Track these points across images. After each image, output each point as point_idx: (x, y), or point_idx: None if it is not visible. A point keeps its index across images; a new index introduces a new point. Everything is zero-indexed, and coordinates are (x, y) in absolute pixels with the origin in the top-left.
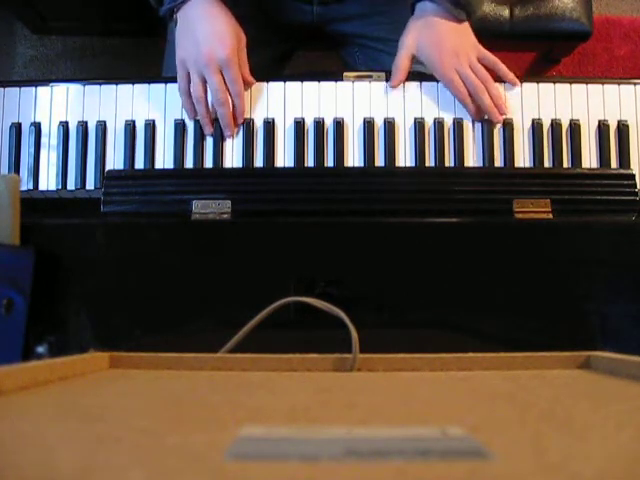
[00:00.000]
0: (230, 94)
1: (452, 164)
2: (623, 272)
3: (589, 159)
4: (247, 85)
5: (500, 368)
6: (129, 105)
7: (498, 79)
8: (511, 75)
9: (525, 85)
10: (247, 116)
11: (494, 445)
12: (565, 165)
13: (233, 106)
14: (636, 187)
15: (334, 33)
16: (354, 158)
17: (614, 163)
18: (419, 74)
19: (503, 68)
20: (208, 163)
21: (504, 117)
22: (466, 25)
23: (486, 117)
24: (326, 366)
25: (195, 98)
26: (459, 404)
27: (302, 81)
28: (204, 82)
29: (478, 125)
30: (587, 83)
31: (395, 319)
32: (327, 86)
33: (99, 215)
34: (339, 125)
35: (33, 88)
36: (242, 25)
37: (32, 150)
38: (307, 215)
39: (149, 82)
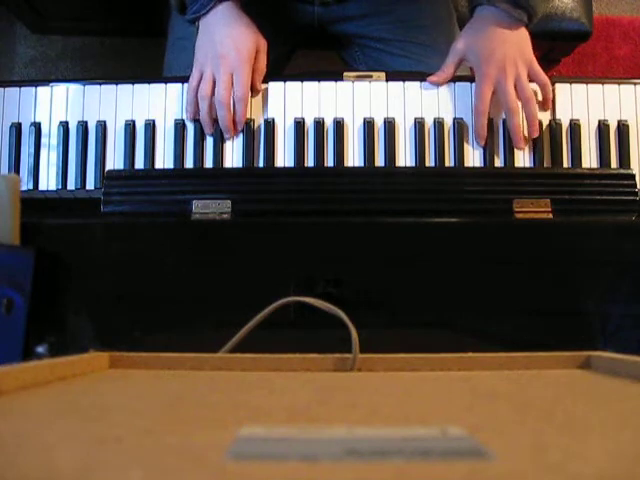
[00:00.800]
0: (234, 98)
1: (452, 164)
2: (623, 272)
3: (589, 159)
4: (255, 92)
5: (500, 368)
6: (129, 105)
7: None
8: (550, 104)
9: None
10: (248, 116)
11: (494, 445)
12: (565, 165)
13: (234, 110)
14: (636, 187)
15: (335, 33)
16: (354, 158)
17: (614, 163)
18: (419, 74)
19: (548, 93)
20: (208, 163)
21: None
22: (524, 34)
23: (488, 141)
24: (326, 366)
25: (201, 95)
26: (459, 404)
27: (302, 81)
28: (214, 81)
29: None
30: (587, 83)
31: (395, 319)
32: (327, 86)
33: (99, 215)
34: (339, 125)
35: (33, 88)
36: None
37: (32, 150)
38: (307, 215)
39: (149, 82)
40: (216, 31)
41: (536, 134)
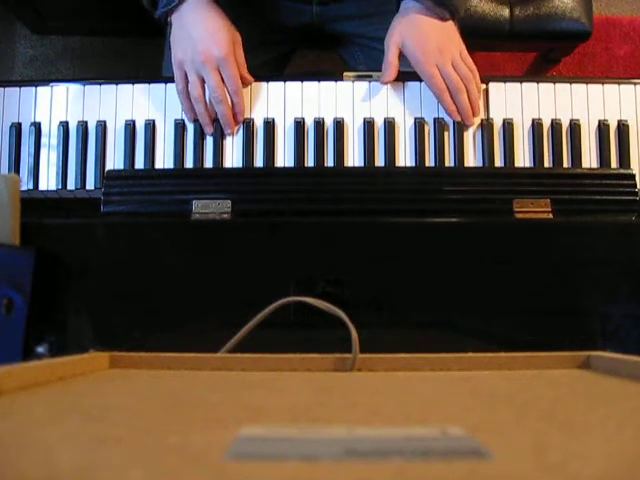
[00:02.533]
0: (228, 92)
1: (452, 164)
2: (623, 272)
3: (589, 159)
4: (245, 83)
5: (500, 368)
6: (129, 105)
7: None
8: (478, 93)
9: (525, 85)
10: (247, 116)
11: (494, 445)
12: (565, 165)
13: (232, 104)
14: (636, 187)
15: (334, 33)
16: (354, 158)
17: (614, 163)
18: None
19: (478, 80)
20: (208, 163)
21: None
22: (451, 24)
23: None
24: (326, 366)
25: (193, 98)
26: (459, 404)
27: (302, 81)
28: (202, 81)
29: (478, 125)
30: (587, 83)
31: (395, 319)
32: (327, 86)
33: (99, 215)
34: (339, 125)
35: (33, 88)
36: (242, 26)
37: (32, 150)
38: (307, 215)
39: (149, 82)
40: (191, 27)
41: (478, 112)
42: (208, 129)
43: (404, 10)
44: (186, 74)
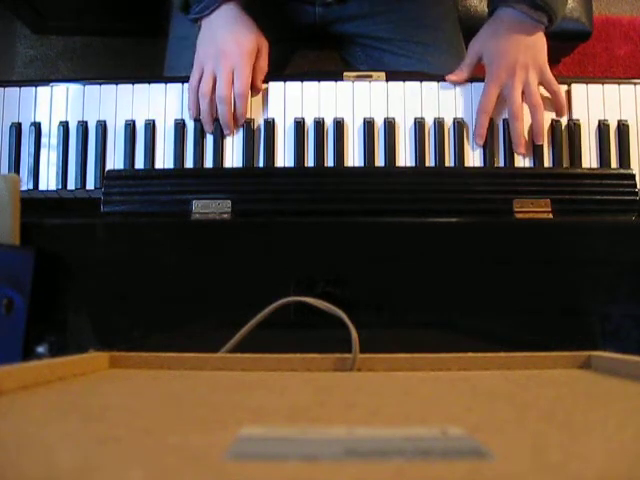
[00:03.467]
0: (234, 94)
1: (452, 164)
2: (623, 272)
3: (589, 159)
4: (256, 91)
5: (500, 368)
6: (129, 105)
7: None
8: (565, 110)
9: None
10: (248, 116)
11: (494, 445)
12: (565, 165)
13: (235, 107)
14: (636, 187)
15: (336, 33)
16: (354, 158)
17: (614, 163)
18: (419, 74)
19: (562, 101)
20: (208, 163)
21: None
22: (541, 38)
23: (487, 142)
24: (326, 366)
25: (202, 93)
26: (459, 404)
27: (302, 81)
28: (214, 80)
29: None
30: (587, 83)
31: (395, 319)
32: (327, 86)
33: (99, 215)
34: (339, 125)
35: (33, 88)
36: None
37: (32, 150)
38: (307, 215)
39: (149, 82)
40: (218, 30)
41: (540, 142)
42: (208, 127)
43: (496, 17)
44: (203, 71)
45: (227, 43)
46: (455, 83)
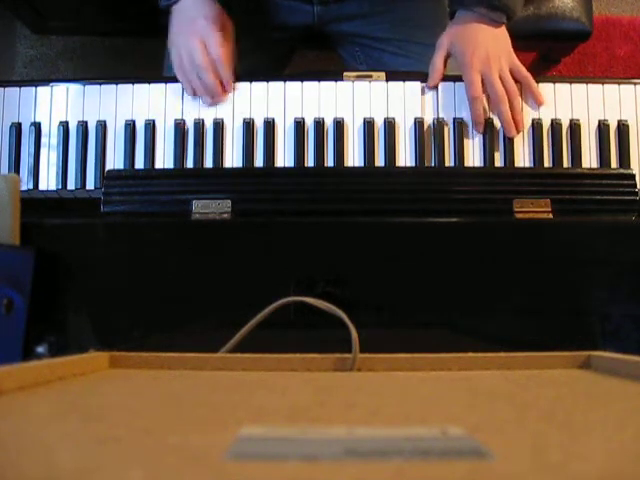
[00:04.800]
0: (212, 61)
1: (452, 164)
2: (623, 272)
3: (589, 159)
4: (228, 65)
5: (500, 368)
6: (129, 105)
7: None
8: (539, 95)
9: None
10: (247, 116)
11: (494, 445)
12: (565, 165)
13: (218, 73)
14: (636, 187)
15: (335, 33)
16: (354, 158)
17: (614, 163)
18: (419, 74)
19: (533, 85)
20: (208, 163)
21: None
22: (503, 31)
23: (487, 127)
24: (326, 366)
25: (187, 71)
26: (459, 404)
27: (302, 81)
28: (192, 55)
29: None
30: (587, 83)
31: (395, 319)
32: (327, 86)
33: (99, 215)
34: (339, 125)
35: (33, 88)
36: (243, 27)
37: (32, 150)
38: (307, 215)
39: (149, 82)
40: (187, 13)
41: (521, 127)
42: (207, 100)
43: (458, 18)
44: (181, 53)
45: (192, 16)
46: (435, 86)
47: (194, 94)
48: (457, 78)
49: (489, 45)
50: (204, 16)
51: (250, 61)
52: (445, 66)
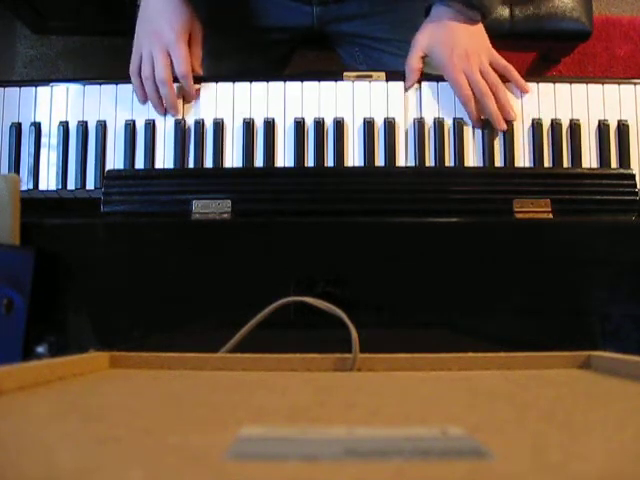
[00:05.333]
0: (177, 75)
1: (452, 164)
2: (623, 272)
3: (589, 159)
4: (195, 74)
5: (500, 368)
6: (129, 105)
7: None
8: (522, 82)
9: None
10: (247, 116)
11: (494, 445)
12: (565, 165)
13: (182, 87)
14: (636, 187)
15: (334, 33)
16: (354, 158)
17: (614, 163)
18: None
19: (514, 74)
20: (208, 163)
21: (504, 118)
22: (480, 27)
23: (486, 123)
24: (326, 366)
25: (144, 76)
26: (459, 404)
27: (302, 81)
28: (153, 62)
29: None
30: (587, 83)
31: (395, 319)
32: (327, 86)
33: (99, 215)
34: (339, 125)
35: (33, 88)
36: (243, 27)
37: (32, 150)
38: (307, 215)
39: None
40: (152, 10)
41: (511, 117)
42: (159, 110)
43: (433, 15)
44: (142, 55)
45: (159, 23)
46: (414, 87)
47: (145, 101)
48: None
49: (467, 43)
50: (171, 27)
51: (249, 61)
52: (423, 65)
